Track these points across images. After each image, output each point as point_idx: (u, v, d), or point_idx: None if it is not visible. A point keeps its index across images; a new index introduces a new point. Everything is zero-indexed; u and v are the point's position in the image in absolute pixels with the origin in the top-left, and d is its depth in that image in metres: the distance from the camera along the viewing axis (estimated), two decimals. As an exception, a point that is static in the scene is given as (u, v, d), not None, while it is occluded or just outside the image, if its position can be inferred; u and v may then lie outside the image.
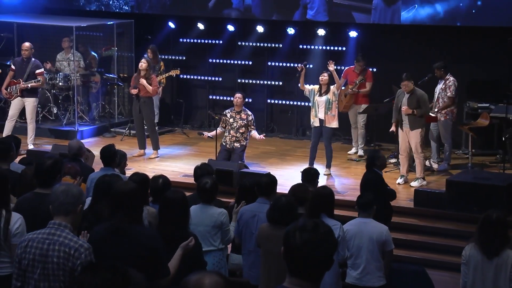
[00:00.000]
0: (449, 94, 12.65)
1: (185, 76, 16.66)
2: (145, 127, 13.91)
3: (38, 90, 14.37)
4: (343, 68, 14.37)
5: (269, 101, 16.15)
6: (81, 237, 5.23)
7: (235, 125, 12.72)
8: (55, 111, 15.89)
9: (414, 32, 14.44)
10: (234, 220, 7.67)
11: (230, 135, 12.74)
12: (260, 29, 15.56)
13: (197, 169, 8.61)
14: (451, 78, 12.68)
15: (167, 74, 15.22)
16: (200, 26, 16.11)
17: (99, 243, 5.29)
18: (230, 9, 15.58)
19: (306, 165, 11.48)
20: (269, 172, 10.08)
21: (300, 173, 9.07)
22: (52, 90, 15.73)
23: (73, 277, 4.81)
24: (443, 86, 12.71)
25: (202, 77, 16.63)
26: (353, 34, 14.84)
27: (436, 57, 13.32)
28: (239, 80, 16.17)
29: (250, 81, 16.18)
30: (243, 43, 16.04)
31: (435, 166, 13.03)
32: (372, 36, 14.77)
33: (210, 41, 16.34)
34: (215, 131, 13.07)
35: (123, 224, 5.34)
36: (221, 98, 16.33)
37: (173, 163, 13.61)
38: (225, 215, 7.39)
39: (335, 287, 7.29)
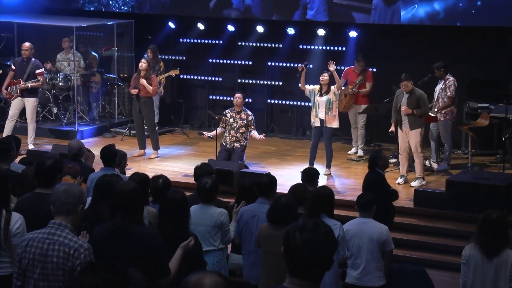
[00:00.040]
0: (449, 94, 12.65)
1: (185, 76, 16.67)
2: (145, 127, 13.92)
3: (38, 90, 14.38)
4: (343, 68, 14.37)
5: (269, 101, 16.16)
6: (80, 237, 5.24)
7: (235, 125, 12.73)
8: (55, 111, 15.89)
9: (414, 32, 14.45)
10: (234, 220, 7.67)
11: (230, 135, 12.75)
12: (260, 29, 15.57)
13: (197, 169, 8.62)
14: (451, 78, 12.68)
15: (166, 74, 15.22)
16: (200, 26, 16.11)
17: (100, 243, 5.30)
18: (230, 9, 15.59)
19: (306, 165, 11.48)
20: (269, 172, 10.09)
21: (300, 173, 9.08)
22: (52, 90, 15.74)
23: (72, 277, 4.82)
24: (443, 86, 12.71)
25: (202, 77, 16.63)
26: (353, 34, 14.85)
27: (436, 57, 13.32)
28: (239, 80, 16.18)
29: (250, 81, 16.18)
30: (243, 43, 16.05)
31: (434, 166, 13.04)
32: (372, 36, 14.77)
33: (210, 41, 16.34)
34: (215, 131, 13.07)
35: (123, 224, 5.34)
36: (221, 98, 16.34)
37: (173, 163, 13.61)
38: (225, 215, 7.39)
39: (335, 287, 7.29)
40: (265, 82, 16.02)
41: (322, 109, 12.33)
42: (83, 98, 16.25)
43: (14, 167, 7.92)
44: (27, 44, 14.15)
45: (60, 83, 15.57)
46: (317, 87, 12.44)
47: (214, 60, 16.40)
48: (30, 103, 14.02)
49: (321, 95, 12.34)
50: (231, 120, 12.76)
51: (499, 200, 10.31)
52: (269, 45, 15.82)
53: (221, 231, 7.36)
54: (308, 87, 12.53)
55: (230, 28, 15.84)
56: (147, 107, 13.66)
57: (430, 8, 13.68)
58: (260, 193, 7.60)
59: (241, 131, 12.71)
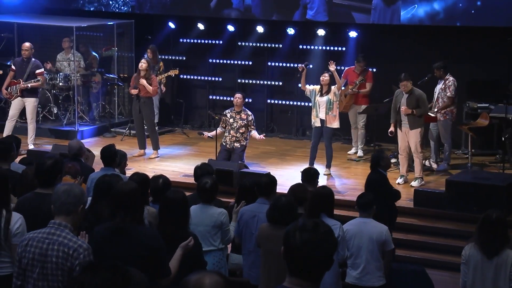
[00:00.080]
0: (448, 94, 12.66)
1: (185, 76, 16.67)
2: (145, 127, 13.92)
3: (38, 90, 14.38)
4: (343, 68, 14.38)
5: (269, 101, 16.16)
6: (79, 237, 5.25)
7: (235, 125, 12.73)
8: (55, 111, 15.90)
9: (413, 32, 14.45)
10: (234, 220, 7.67)
11: (230, 135, 12.75)
12: (260, 29, 15.57)
13: (197, 169, 8.62)
14: (451, 78, 12.69)
15: (166, 74, 15.22)
16: (200, 26, 16.11)
17: (100, 243, 5.30)
18: (230, 9, 15.59)
19: (306, 165, 11.47)
20: (269, 172, 10.09)
21: (300, 173, 9.08)
22: (52, 90, 15.75)
23: (72, 277, 4.82)
24: (443, 86, 12.72)
25: (202, 77, 16.63)
26: (353, 34, 14.85)
27: (436, 57, 13.32)
28: (239, 80, 16.18)
29: (250, 81, 16.18)
30: (243, 43, 16.05)
31: (434, 166, 13.05)
32: (371, 36, 14.77)
33: (210, 41, 16.35)
34: (215, 131, 13.08)
35: (123, 224, 5.35)
36: (221, 98, 16.34)
37: (173, 163, 13.61)
38: (225, 215, 7.40)
39: (335, 287, 7.29)
40: (265, 82, 16.03)
41: (323, 109, 12.34)
42: (83, 98, 16.25)
43: (14, 167, 7.92)
44: (27, 44, 14.16)
45: (60, 83, 15.57)
46: (317, 87, 12.44)
47: (214, 60, 16.41)
48: (30, 103, 14.02)
49: (321, 95, 12.35)
50: (231, 120, 12.76)
51: (499, 200, 10.31)
52: (269, 45, 15.82)
53: (221, 231, 7.36)
54: (309, 87, 12.54)
55: (230, 28, 15.85)
56: (147, 107, 13.66)
57: (430, 8, 13.68)
58: (260, 193, 7.60)
59: (241, 131, 12.71)
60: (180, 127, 16.32)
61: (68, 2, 16.97)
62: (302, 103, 15.40)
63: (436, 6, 13.62)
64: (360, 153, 14.00)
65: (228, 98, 14.88)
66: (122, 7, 16.37)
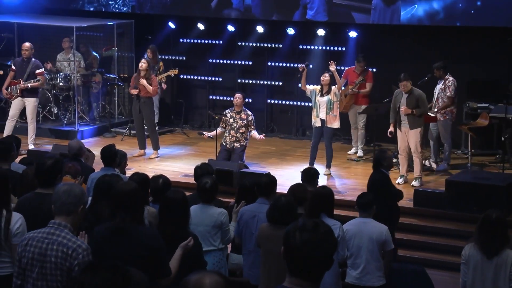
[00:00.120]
0: (448, 94, 12.66)
1: (185, 76, 16.68)
2: (145, 127, 13.93)
3: (39, 90, 14.39)
4: (343, 68, 14.38)
5: (269, 101, 16.16)
6: (79, 237, 5.25)
7: (235, 125, 12.73)
8: (55, 111, 15.90)
9: (413, 32, 14.45)
10: (234, 220, 7.67)
11: (230, 135, 12.75)
12: (260, 29, 15.57)
13: (197, 169, 8.63)
14: (451, 78, 12.69)
15: (165, 74, 15.22)
16: (200, 26, 16.12)
17: (100, 243, 5.30)
18: (230, 9, 15.59)
19: (306, 165, 11.47)
20: (269, 172, 10.10)
21: (300, 173, 9.08)
22: (52, 90, 15.75)
23: (71, 277, 4.82)
24: (443, 86, 12.72)
25: (202, 77, 16.63)
26: (352, 34, 14.85)
27: (436, 57, 13.32)
28: (239, 80, 16.18)
29: (250, 81, 16.19)
30: (243, 43, 16.05)
31: (434, 166, 13.05)
32: (371, 36, 14.78)
33: (210, 41, 16.35)
34: (215, 131, 13.08)
35: (123, 224, 5.35)
36: (221, 98, 16.34)
37: (173, 163, 13.62)
38: (225, 215, 7.40)
39: (335, 287, 7.29)
40: (265, 82, 16.03)
41: (323, 109, 12.34)
42: (83, 98, 16.26)
43: (15, 167, 7.93)
44: (27, 44, 14.16)
45: (61, 83, 15.58)
46: (318, 87, 12.45)
47: (214, 60, 16.41)
48: (30, 103, 14.03)
49: (322, 95, 12.35)
50: (231, 120, 12.77)
51: (499, 200, 10.31)
52: (269, 45, 15.83)
53: (221, 231, 7.36)
54: (309, 87, 12.54)
55: (230, 28, 15.85)
56: (147, 107, 13.67)
57: (430, 8, 13.68)
58: (260, 193, 7.61)
59: (241, 131, 12.72)
60: (180, 127, 16.32)
61: (68, 2, 16.97)
62: (302, 103, 15.40)
63: (436, 6, 13.63)
64: (360, 153, 14.01)
65: (228, 98, 14.89)
66: (122, 7, 16.38)
